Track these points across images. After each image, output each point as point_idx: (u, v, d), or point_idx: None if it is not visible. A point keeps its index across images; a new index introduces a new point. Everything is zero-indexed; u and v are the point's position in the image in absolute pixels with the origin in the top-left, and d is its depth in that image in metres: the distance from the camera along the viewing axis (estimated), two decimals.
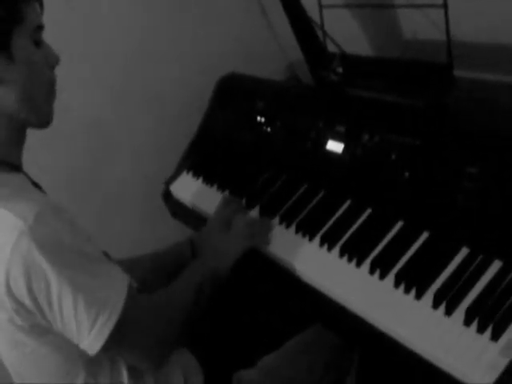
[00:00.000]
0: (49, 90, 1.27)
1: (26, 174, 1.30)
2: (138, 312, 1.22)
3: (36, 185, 1.31)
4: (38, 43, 1.22)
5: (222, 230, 1.64)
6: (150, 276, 1.63)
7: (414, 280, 1.23)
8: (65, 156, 2.18)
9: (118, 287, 1.18)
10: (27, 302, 1.11)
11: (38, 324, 1.15)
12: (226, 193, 1.85)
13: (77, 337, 1.14)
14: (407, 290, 1.23)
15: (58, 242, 1.11)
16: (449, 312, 1.13)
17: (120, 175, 2.35)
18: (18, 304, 1.12)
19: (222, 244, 1.55)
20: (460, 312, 1.12)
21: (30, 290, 1.10)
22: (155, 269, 1.69)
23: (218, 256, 1.51)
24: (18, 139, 1.27)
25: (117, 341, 1.16)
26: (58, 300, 1.11)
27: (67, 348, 1.20)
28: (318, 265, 1.44)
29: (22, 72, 1.18)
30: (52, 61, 1.26)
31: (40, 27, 1.23)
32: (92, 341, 1.14)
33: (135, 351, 1.24)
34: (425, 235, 1.32)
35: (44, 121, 1.28)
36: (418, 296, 1.20)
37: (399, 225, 1.39)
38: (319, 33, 1.83)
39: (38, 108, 1.25)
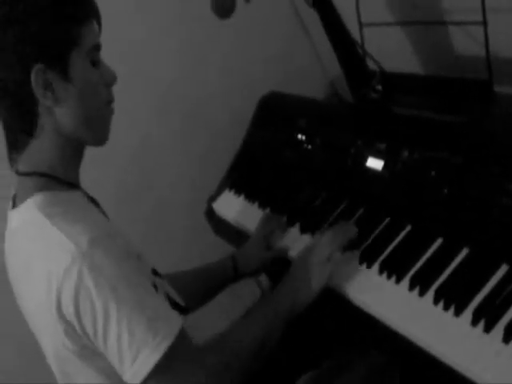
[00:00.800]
0: (106, 109, 1.29)
1: (83, 191, 1.33)
2: (185, 354, 1.17)
3: (93, 200, 1.35)
4: (95, 62, 1.24)
5: (261, 248, 1.67)
6: (191, 290, 1.64)
7: (453, 297, 1.22)
8: (112, 173, 2.24)
9: (164, 325, 1.13)
10: (75, 323, 1.12)
11: (87, 346, 1.16)
12: (267, 210, 1.87)
13: (119, 368, 1.13)
14: (446, 307, 1.22)
15: (108, 270, 1.11)
16: (488, 329, 1.13)
17: (164, 193, 2.38)
18: (68, 325, 1.13)
19: (305, 276, 1.42)
20: (499, 329, 1.12)
21: (77, 314, 1.11)
22: (196, 283, 1.71)
23: (299, 291, 1.41)
24: (76, 157, 1.30)
25: (160, 379, 1.12)
26: (103, 329, 1.10)
27: (116, 374, 1.16)
28: (357, 281, 1.44)
29: (79, 92, 1.20)
30: (109, 79, 1.28)
31: (97, 47, 1.24)
32: (132, 376, 1.11)
33: None
34: (464, 252, 1.32)
35: (101, 139, 1.30)
36: (457, 313, 1.19)
37: (439, 241, 1.38)
38: (359, 50, 1.84)
39: (95, 127, 1.28)
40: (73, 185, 1.28)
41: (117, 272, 1.12)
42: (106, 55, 1.29)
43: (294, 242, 1.69)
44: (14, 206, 1.27)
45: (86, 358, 1.18)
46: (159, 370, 1.10)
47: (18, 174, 1.25)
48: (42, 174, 1.23)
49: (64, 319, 1.13)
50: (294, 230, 1.73)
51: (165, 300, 1.23)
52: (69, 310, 1.11)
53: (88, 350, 1.16)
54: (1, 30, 1.13)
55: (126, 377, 1.12)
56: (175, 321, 1.16)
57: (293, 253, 1.65)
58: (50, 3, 1.16)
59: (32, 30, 1.13)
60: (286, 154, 1.98)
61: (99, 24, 1.27)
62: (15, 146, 1.24)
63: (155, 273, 1.37)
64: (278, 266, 1.67)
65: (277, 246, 1.73)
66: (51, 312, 1.13)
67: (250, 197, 1.99)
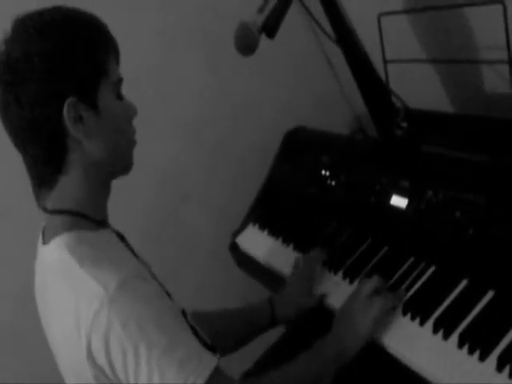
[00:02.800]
0: (130, 140, 1.31)
1: (111, 228, 1.34)
2: None
3: (122, 237, 1.35)
4: (119, 96, 1.26)
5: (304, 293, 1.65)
6: (225, 334, 1.63)
7: (478, 341, 1.20)
8: (137, 205, 2.24)
9: (196, 366, 1.11)
10: (106, 368, 1.11)
11: None
12: (291, 246, 1.86)
13: None
14: (471, 351, 1.20)
15: (136, 314, 1.10)
16: None
17: (189, 226, 2.39)
18: (98, 369, 1.12)
19: (351, 324, 1.39)
20: None
21: (108, 358, 1.10)
22: (231, 327, 1.69)
23: (350, 336, 1.38)
24: (104, 192, 1.30)
25: None
26: (135, 373, 1.09)
27: None
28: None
29: (107, 125, 1.22)
30: (131, 113, 1.30)
31: (121, 80, 1.27)
32: None
33: None
34: (490, 294, 1.30)
35: (127, 168, 1.32)
36: (482, 358, 1.18)
37: (463, 283, 1.37)
38: (384, 87, 1.84)
39: (122, 157, 1.30)
40: (101, 222, 1.29)
41: (146, 314, 1.11)
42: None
43: (317, 277, 1.69)
44: (44, 241, 1.28)
45: None
46: None
47: (46, 211, 1.25)
48: (70, 213, 1.23)
49: (94, 363, 1.12)
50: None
51: (195, 339, 1.20)
52: (99, 354, 1.10)
53: None
54: (34, 65, 1.13)
55: None
56: (208, 360, 1.14)
57: (318, 292, 1.64)
58: (82, 36, 1.18)
59: (65, 64, 1.15)
60: (310, 190, 1.99)
61: (118, 58, 1.28)
62: (43, 184, 1.24)
63: (184, 313, 1.37)
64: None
65: (317, 292, 1.67)
66: (80, 355, 1.12)
67: (274, 232, 1.99)
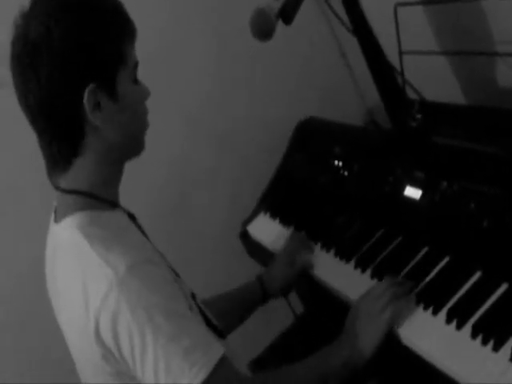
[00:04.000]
0: (144, 122, 1.32)
1: (123, 208, 1.34)
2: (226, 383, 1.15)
3: (133, 217, 1.36)
4: (135, 80, 1.27)
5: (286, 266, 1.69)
6: (225, 316, 1.62)
7: (491, 332, 1.20)
8: (148, 192, 2.26)
9: (202, 355, 1.11)
10: (114, 350, 1.12)
11: (123, 371, 1.16)
12: (302, 233, 1.87)
13: None
14: (485, 342, 1.20)
15: (145, 299, 1.11)
16: None
17: (199, 213, 2.40)
18: (106, 350, 1.13)
19: (365, 327, 1.37)
20: None
21: (116, 341, 1.11)
22: (231, 308, 1.71)
23: (357, 343, 1.35)
24: (117, 175, 1.31)
25: None
26: (141, 358, 1.10)
27: None
28: None
29: (124, 111, 1.23)
30: (145, 95, 1.31)
31: (137, 64, 1.27)
32: None
33: None
34: (504, 287, 1.30)
35: (140, 150, 1.33)
36: (496, 348, 1.18)
37: (477, 275, 1.37)
38: (399, 79, 1.84)
39: (137, 140, 1.31)
40: (113, 203, 1.29)
41: (154, 300, 1.11)
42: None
43: (330, 267, 1.70)
44: (56, 219, 1.29)
45: (121, 381, 1.18)
46: None
47: (60, 190, 1.26)
48: (83, 193, 1.24)
49: (102, 344, 1.13)
50: (329, 256, 1.73)
51: (203, 327, 1.21)
52: (107, 336, 1.11)
53: (124, 374, 1.17)
54: (54, 45, 1.14)
55: None
56: (214, 349, 1.14)
57: (329, 281, 1.64)
58: (104, 24, 1.19)
59: (88, 51, 1.16)
60: (322, 180, 1.99)
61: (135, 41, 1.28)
62: (57, 164, 1.25)
63: (193, 296, 1.38)
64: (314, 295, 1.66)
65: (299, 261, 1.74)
66: (89, 336, 1.13)
67: (286, 221, 1.99)
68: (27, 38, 1.15)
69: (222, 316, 1.61)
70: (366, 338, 1.35)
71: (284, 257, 1.78)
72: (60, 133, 1.21)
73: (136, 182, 2.06)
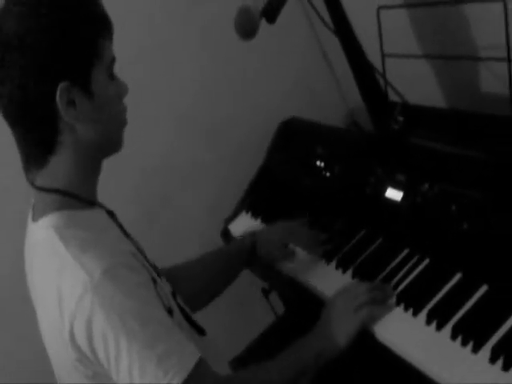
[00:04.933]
0: (122, 120, 1.30)
1: (101, 206, 1.33)
2: None
3: (112, 214, 1.34)
4: (112, 75, 1.24)
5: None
6: (208, 278, 1.69)
7: (471, 333, 1.22)
8: (129, 189, 2.25)
9: (176, 361, 1.11)
10: (89, 354, 1.12)
11: (99, 373, 1.15)
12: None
13: None
14: (464, 343, 1.22)
15: (119, 304, 1.09)
16: (506, 367, 1.12)
17: (180, 211, 2.39)
18: (81, 354, 1.13)
19: (340, 322, 1.39)
20: None
21: (90, 345, 1.10)
22: (214, 270, 1.73)
23: (332, 338, 1.37)
24: (94, 172, 1.29)
25: None
26: (115, 362, 1.09)
27: None
28: None
29: (100, 108, 1.21)
30: (122, 91, 1.28)
31: (114, 60, 1.25)
32: None
33: None
34: (484, 288, 1.32)
35: (118, 148, 1.30)
36: (476, 349, 1.19)
37: (457, 277, 1.39)
38: (381, 81, 1.86)
39: (114, 138, 1.29)
40: (91, 201, 1.28)
41: (129, 306, 1.10)
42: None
43: (311, 268, 1.71)
44: (33, 217, 1.27)
45: (97, 382, 1.17)
46: None
47: (36, 187, 1.24)
48: (60, 192, 1.22)
49: (77, 348, 1.12)
50: (311, 256, 1.74)
51: (179, 331, 1.19)
52: (82, 340, 1.11)
53: (100, 376, 1.16)
54: (27, 43, 1.12)
55: None
56: (189, 355, 1.14)
57: (311, 281, 1.65)
58: (77, 19, 1.16)
59: (60, 48, 1.14)
60: (303, 180, 2.00)
61: (112, 37, 1.26)
62: (33, 162, 1.23)
63: (174, 295, 1.38)
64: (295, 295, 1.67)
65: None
66: (64, 339, 1.13)
67: (267, 220, 2.01)
68: (0, 36, 1.13)
69: (208, 276, 1.68)
70: (340, 331, 1.36)
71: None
72: (34, 130, 1.19)
73: (119, 178, 2.07)
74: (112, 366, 1.10)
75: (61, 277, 1.14)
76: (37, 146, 1.21)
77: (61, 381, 1.31)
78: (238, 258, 1.74)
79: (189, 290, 1.57)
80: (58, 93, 1.14)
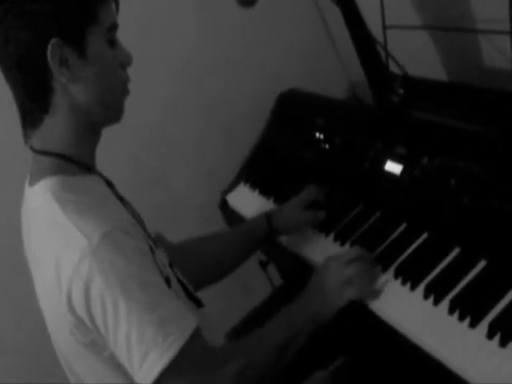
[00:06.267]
0: (122, 89, 1.28)
1: (99, 173, 1.32)
2: (198, 357, 1.14)
3: (110, 184, 1.34)
4: (112, 43, 1.23)
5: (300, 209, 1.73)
6: (229, 254, 1.69)
7: (469, 308, 1.22)
8: (128, 160, 2.25)
9: (175, 327, 1.11)
10: (86, 320, 1.11)
11: (96, 341, 1.15)
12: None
13: (129, 368, 1.11)
14: (462, 318, 1.22)
15: (118, 268, 1.09)
16: (503, 343, 1.12)
17: (177, 183, 2.39)
18: (78, 320, 1.12)
19: (330, 292, 1.38)
20: None
21: (88, 310, 1.10)
22: (234, 247, 1.72)
23: (317, 305, 1.37)
24: (92, 138, 1.29)
25: (171, 382, 1.10)
26: (113, 327, 1.09)
27: (125, 369, 1.14)
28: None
29: (95, 70, 1.20)
30: (125, 60, 1.27)
31: (114, 26, 1.23)
32: (143, 376, 1.09)
33: None
34: (482, 263, 1.31)
35: (114, 118, 1.29)
36: (473, 324, 1.19)
37: (456, 251, 1.38)
38: (382, 53, 1.84)
39: (109, 106, 1.27)
40: (89, 167, 1.27)
41: (128, 270, 1.10)
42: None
43: (309, 240, 1.71)
44: (30, 182, 1.27)
45: (93, 350, 1.17)
46: (170, 372, 1.08)
47: (33, 150, 1.24)
48: (57, 155, 1.22)
49: (75, 313, 1.12)
50: (308, 227, 1.74)
51: (177, 299, 1.20)
52: (79, 306, 1.10)
53: (97, 344, 1.16)
54: (19, 3, 1.11)
55: (136, 378, 1.10)
56: (188, 321, 1.14)
57: (308, 254, 1.65)
58: None
59: (51, 4, 1.13)
60: (303, 152, 1.99)
61: (117, 4, 1.26)
62: (29, 122, 1.23)
63: (171, 266, 1.37)
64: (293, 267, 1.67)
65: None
66: (61, 304, 1.12)
67: (266, 192, 2.00)
68: None
69: (225, 253, 1.68)
70: (331, 296, 1.36)
71: (301, 201, 1.76)
72: (29, 85, 1.19)
73: (118, 150, 2.06)
74: (110, 331, 1.10)
75: (58, 241, 1.14)
76: (32, 104, 1.20)
77: (58, 349, 1.31)
78: (252, 236, 1.73)
79: (197, 267, 1.60)
80: (49, 48, 1.13)
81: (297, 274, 1.70)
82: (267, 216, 1.72)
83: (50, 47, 1.13)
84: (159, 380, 1.08)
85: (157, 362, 1.07)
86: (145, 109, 2.15)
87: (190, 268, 1.55)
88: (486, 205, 1.35)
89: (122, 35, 1.27)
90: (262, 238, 1.72)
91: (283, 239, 1.77)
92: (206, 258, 1.68)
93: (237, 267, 1.72)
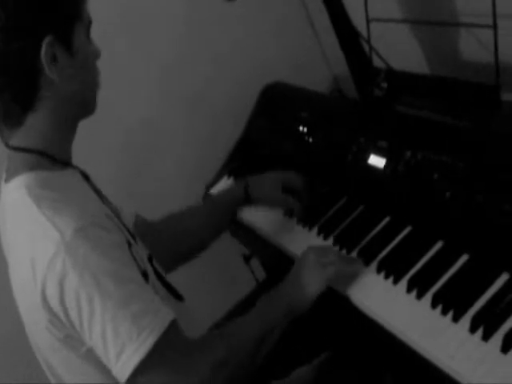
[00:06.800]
0: (96, 82, 1.30)
1: (76, 168, 1.31)
2: (176, 351, 1.15)
3: (87, 177, 1.34)
4: (89, 38, 1.25)
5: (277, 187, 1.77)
6: (208, 225, 1.72)
7: (451, 302, 1.22)
8: (110, 153, 2.23)
9: (150, 320, 1.10)
10: (61, 315, 1.11)
11: (72, 336, 1.14)
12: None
13: (106, 362, 1.11)
14: (444, 312, 1.22)
15: (93, 263, 1.09)
16: (486, 337, 1.13)
17: (161, 175, 2.38)
18: (53, 315, 1.12)
19: (309, 276, 1.37)
20: (498, 338, 1.11)
21: (63, 306, 1.10)
22: (212, 217, 1.76)
23: (296, 294, 1.37)
24: (70, 134, 1.29)
25: (148, 377, 1.10)
26: (88, 323, 1.09)
27: (102, 363, 1.14)
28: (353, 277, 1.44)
29: (79, 65, 1.21)
30: (98, 55, 1.29)
31: (90, 22, 1.25)
32: (119, 370, 1.09)
33: None
34: (464, 257, 1.32)
35: (92, 110, 1.31)
36: (456, 319, 1.20)
37: (439, 245, 1.39)
38: (366, 46, 1.84)
39: (91, 99, 1.29)
40: (65, 162, 1.27)
41: (102, 265, 1.10)
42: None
43: (292, 234, 1.71)
44: (6, 178, 1.26)
45: (70, 345, 1.17)
46: (147, 366, 1.08)
47: (10, 147, 1.23)
48: (35, 151, 1.21)
49: (49, 309, 1.12)
50: (292, 221, 1.74)
51: (153, 293, 1.19)
52: (54, 300, 1.10)
53: (73, 339, 1.15)
54: (15, 1, 1.11)
55: (114, 373, 1.10)
56: (164, 315, 1.14)
57: (291, 248, 1.65)
58: None
59: (47, 2, 1.14)
60: (286, 146, 1.99)
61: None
62: (9, 120, 1.21)
63: (150, 259, 1.37)
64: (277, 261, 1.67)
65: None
66: (36, 300, 1.12)
67: None
68: None
69: (203, 226, 1.71)
70: (309, 285, 1.36)
71: (278, 179, 1.80)
72: (13, 85, 1.18)
73: (100, 141, 2.05)
74: (85, 327, 1.10)
75: (33, 237, 1.13)
76: (15, 102, 1.19)
77: (34, 342, 1.30)
78: (229, 205, 1.78)
79: (177, 243, 1.62)
80: (43, 47, 1.13)
81: (280, 268, 1.69)
82: (245, 185, 1.78)
83: (44, 45, 1.14)
84: (135, 374, 1.08)
85: (131, 357, 1.08)
86: (130, 100, 2.15)
87: (171, 243, 1.60)
88: (469, 199, 1.35)
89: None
90: (238, 206, 1.79)
91: (266, 232, 1.77)
92: (186, 232, 1.70)
93: (215, 239, 1.75)
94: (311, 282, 1.36)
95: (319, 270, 1.37)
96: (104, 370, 1.14)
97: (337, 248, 1.53)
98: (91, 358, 1.16)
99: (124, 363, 1.08)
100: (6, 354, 2.08)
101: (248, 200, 1.78)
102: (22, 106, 1.19)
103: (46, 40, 1.13)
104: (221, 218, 1.77)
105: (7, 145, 1.24)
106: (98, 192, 1.34)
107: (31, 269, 1.11)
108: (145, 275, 1.22)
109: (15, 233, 1.20)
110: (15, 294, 1.27)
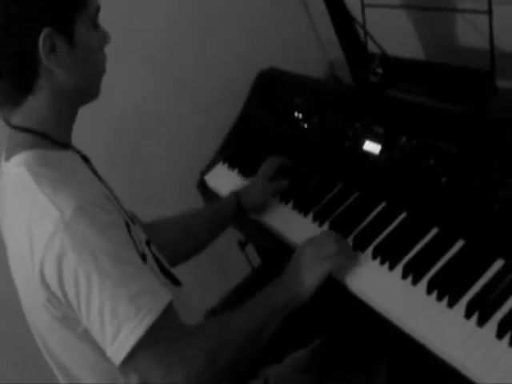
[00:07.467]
0: (101, 69, 1.29)
1: (75, 149, 1.31)
2: (173, 334, 1.14)
3: (86, 159, 1.33)
4: (96, 25, 1.24)
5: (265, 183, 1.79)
6: (203, 231, 1.72)
7: (447, 288, 1.23)
8: (105, 138, 2.21)
9: (148, 301, 1.10)
10: (59, 294, 1.11)
11: (69, 316, 1.14)
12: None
13: (102, 343, 1.11)
14: (440, 298, 1.23)
15: (91, 242, 1.09)
16: (481, 323, 1.14)
17: (156, 162, 2.37)
18: (51, 294, 1.12)
19: (307, 270, 1.38)
20: (493, 324, 1.12)
21: (61, 285, 1.09)
22: (207, 224, 1.76)
23: (294, 288, 1.36)
24: (71, 117, 1.29)
25: (143, 358, 1.10)
26: (86, 302, 1.09)
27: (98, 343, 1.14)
28: (349, 263, 1.44)
29: (80, 57, 1.20)
30: (105, 40, 1.28)
31: (99, 9, 1.24)
32: (115, 351, 1.09)
33: (165, 375, 1.12)
34: (460, 243, 1.32)
35: (94, 95, 1.30)
36: (451, 304, 1.20)
37: (434, 231, 1.39)
38: (361, 32, 1.83)
39: (92, 85, 1.28)
40: (65, 144, 1.27)
41: (101, 244, 1.09)
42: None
43: (288, 220, 1.71)
44: (6, 157, 1.25)
45: (67, 325, 1.17)
46: (142, 347, 1.08)
47: (10, 126, 1.23)
48: (34, 131, 1.21)
49: (47, 287, 1.12)
50: (288, 207, 1.74)
51: (152, 274, 1.19)
52: (52, 279, 1.10)
53: (70, 318, 1.15)
54: None
55: (109, 353, 1.10)
56: (161, 296, 1.14)
57: (287, 234, 1.65)
58: None
59: None
60: (282, 131, 1.98)
61: None
62: (9, 100, 1.21)
63: (148, 243, 1.37)
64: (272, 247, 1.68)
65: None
66: (34, 278, 1.12)
67: (244, 172, 1.99)
68: None
69: (201, 229, 1.71)
70: (308, 277, 1.36)
71: (264, 175, 1.82)
72: (13, 71, 1.17)
73: (94, 127, 2.03)
74: (82, 306, 1.10)
75: (32, 215, 1.13)
76: (14, 87, 1.19)
77: (32, 322, 1.30)
78: (224, 214, 1.76)
79: (170, 245, 1.59)
80: (41, 38, 1.13)
81: (275, 254, 1.70)
82: (236, 195, 1.77)
83: (42, 36, 1.13)
84: (132, 354, 1.08)
85: (129, 336, 1.08)
86: (124, 87, 2.13)
87: (169, 243, 1.58)
88: (465, 184, 1.36)
89: (102, 14, 1.26)
90: (233, 215, 1.77)
91: (263, 219, 1.77)
92: (185, 233, 1.70)
93: (212, 241, 1.75)
94: (309, 278, 1.36)
95: (317, 265, 1.37)
96: (100, 351, 1.14)
97: None
98: (88, 339, 1.16)
99: (121, 343, 1.08)
100: (6, 354, 2.09)
101: (243, 211, 1.78)
102: (20, 92, 1.19)
103: (45, 30, 1.13)
104: (215, 227, 1.77)
105: (8, 123, 1.23)
106: (96, 174, 1.34)
107: (30, 246, 1.11)
108: (143, 257, 1.22)
109: (13, 210, 1.20)
110: (13, 272, 1.27)
